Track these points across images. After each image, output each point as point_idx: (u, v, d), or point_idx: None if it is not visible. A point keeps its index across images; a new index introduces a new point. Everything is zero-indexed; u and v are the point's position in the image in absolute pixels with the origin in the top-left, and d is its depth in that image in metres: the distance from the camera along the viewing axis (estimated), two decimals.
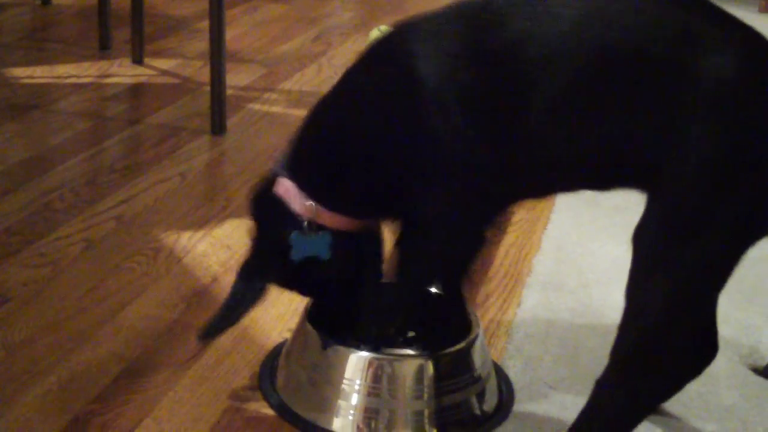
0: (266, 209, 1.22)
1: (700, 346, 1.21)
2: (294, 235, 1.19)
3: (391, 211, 1.20)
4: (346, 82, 1.18)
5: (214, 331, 1.26)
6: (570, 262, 1.72)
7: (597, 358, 1.42)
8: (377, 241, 1.25)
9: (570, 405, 1.31)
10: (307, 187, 1.19)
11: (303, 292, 1.29)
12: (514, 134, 1.07)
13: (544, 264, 1.69)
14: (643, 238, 1.06)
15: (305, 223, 1.19)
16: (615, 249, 1.72)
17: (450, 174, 1.11)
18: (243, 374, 1.34)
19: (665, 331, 1.08)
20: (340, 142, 1.17)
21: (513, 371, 1.37)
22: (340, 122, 1.18)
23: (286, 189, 1.20)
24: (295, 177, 1.19)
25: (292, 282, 1.26)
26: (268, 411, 1.26)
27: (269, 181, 1.22)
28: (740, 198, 1.02)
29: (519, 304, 1.56)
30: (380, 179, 1.16)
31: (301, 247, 1.20)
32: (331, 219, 1.19)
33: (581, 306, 1.57)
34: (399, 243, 1.22)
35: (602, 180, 1.12)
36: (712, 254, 1.04)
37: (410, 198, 1.15)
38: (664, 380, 1.18)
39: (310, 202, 1.18)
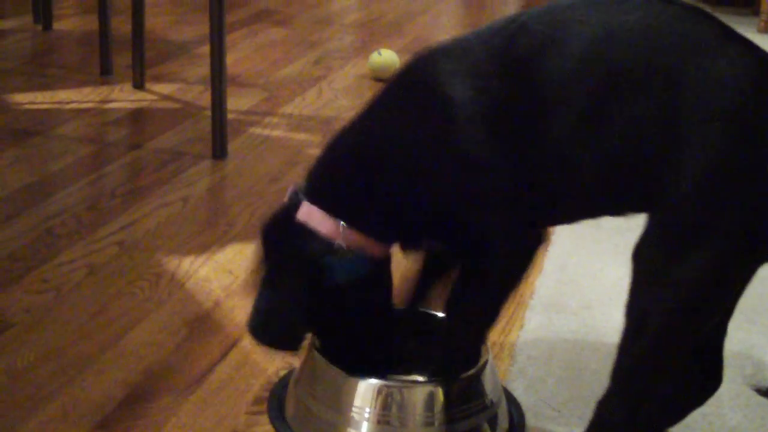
0: (289, 236, 1.19)
1: (703, 375, 1.21)
2: (328, 260, 1.17)
3: (425, 235, 1.20)
4: (374, 108, 1.18)
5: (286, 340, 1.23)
6: (572, 283, 1.72)
7: (601, 380, 1.42)
8: (389, 270, 1.24)
9: (575, 426, 1.30)
10: (334, 210, 1.17)
11: (330, 321, 1.25)
12: (538, 149, 1.08)
13: (546, 285, 1.69)
14: (642, 254, 1.07)
15: (336, 245, 1.17)
16: (617, 270, 1.72)
17: (489, 192, 1.12)
18: (247, 399, 1.34)
19: (665, 349, 1.08)
20: (370, 164, 1.16)
21: (517, 393, 1.36)
22: (370, 145, 1.17)
23: (311, 213, 1.18)
24: (319, 201, 1.18)
25: (320, 310, 1.22)
26: None
27: (288, 208, 1.20)
28: (740, 211, 1.02)
29: (522, 326, 1.55)
30: (413, 201, 1.15)
31: (336, 272, 1.18)
32: (360, 241, 1.17)
33: (584, 327, 1.57)
34: (461, 274, 1.21)
35: (616, 198, 1.11)
36: (712, 269, 1.04)
37: (457, 221, 1.15)
38: (665, 401, 1.18)
39: (338, 222, 1.16)
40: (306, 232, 1.18)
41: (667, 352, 1.09)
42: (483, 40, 1.13)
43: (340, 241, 1.17)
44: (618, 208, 1.13)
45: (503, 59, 1.10)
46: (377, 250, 1.19)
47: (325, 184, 1.20)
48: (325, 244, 1.17)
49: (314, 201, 1.18)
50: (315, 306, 1.21)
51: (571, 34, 1.07)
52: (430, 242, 1.23)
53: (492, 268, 1.17)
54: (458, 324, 1.22)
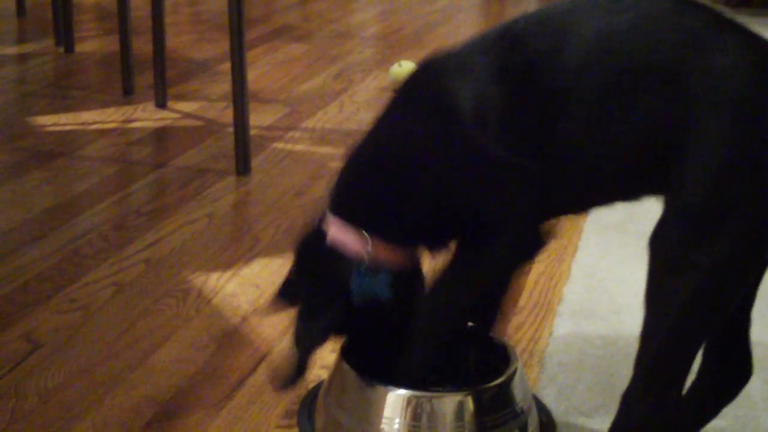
0: (318, 252, 1.20)
1: (731, 367, 1.20)
2: (354, 278, 1.18)
3: (445, 236, 1.20)
4: (384, 118, 1.20)
5: (292, 378, 1.23)
6: (600, 288, 1.71)
7: None
8: (421, 279, 1.24)
9: None
10: (360, 222, 1.18)
11: (360, 333, 1.26)
12: (548, 146, 1.09)
13: (574, 292, 1.68)
14: (658, 242, 1.06)
15: (364, 262, 1.17)
16: (645, 274, 1.71)
17: (500, 188, 1.12)
18: (277, 412, 1.33)
19: (687, 335, 1.08)
20: (388, 173, 1.17)
21: (547, 401, 1.35)
22: (385, 155, 1.18)
23: (338, 228, 1.19)
24: (345, 215, 1.18)
25: (351, 324, 1.23)
26: None
27: (316, 225, 1.21)
28: (756, 198, 1.02)
29: (551, 333, 1.55)
30: (433, 204, 1.15)
31: (362, 290, 1.19)
32: (386, 251, 1.18)
33: (613, 333, 1.56)
34: (452, 262, 1.20)
35: (632, 188, 1.12)
36: (730, 256, 1.03)
37: (465, 217, 1.15)
38: (695, 395, 1.17)
39: (365, 235, 1.17)
40: (332, 249, 1.18)
41: (689, 338, 1.08)
42: (482, 49, 1.14)
43: (366, 252, 1.17)
44: (632, 193, 1.14)
45: (505, 66, 1.10)
46: (402, 258, 1.20)
47: (348, 197, 1.21)
48: (351, 260, 1.18)
49: (339, 215, 1.19)
50: (344, 322, 1.22)
51: (568, 40, 1.08)
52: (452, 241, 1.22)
53: (486, 252, 1.17)
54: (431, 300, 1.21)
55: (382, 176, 1.18)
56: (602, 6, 1.09)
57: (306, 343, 1.21)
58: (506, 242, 1.16)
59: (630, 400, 1.12)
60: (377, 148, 1.20)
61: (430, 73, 1.17)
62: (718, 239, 1.02)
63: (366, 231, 1.18)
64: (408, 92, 1.19)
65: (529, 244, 1.18)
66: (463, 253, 1.19)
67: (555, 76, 1.08)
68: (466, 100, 1.11)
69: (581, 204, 1.20)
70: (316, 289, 1.22)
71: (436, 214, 1.16)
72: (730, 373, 1.20)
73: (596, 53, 1.07)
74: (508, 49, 1.11)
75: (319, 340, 1.22)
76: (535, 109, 1.09)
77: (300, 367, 1.22)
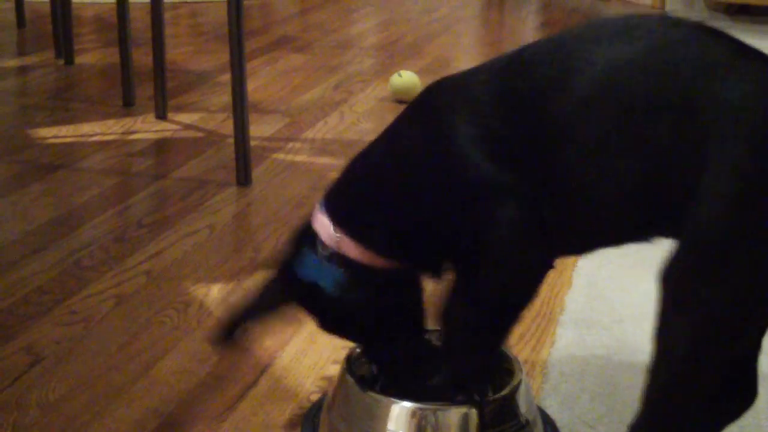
0: (299, 235, 1.23)
1: (737, 389, 1.19)
2: (307, 256, 1.20)
3: (420, 253, 1.19)
4: (387, 133, 1.21)
5: (230, 325, 1.24)
6: (602, 298, 1.70)
7: (635, 394, 1.40)
8: (416, 292, 1.24)
9: None
10: (333, 216, 1.19)
11: (317, 319, 1.26)
12: (550, 178, 1.07)
13: (576, 301, 1.68)
14: (669, 276, 1.04)
15: (327, 252, 1.19)
16: (647, 283, 1.70)
17: (500, 217, 1.10)
18: (279, 423, 1.33)
19: (695, 373, 1.06)
20: (375, 179, 1.19)
21: (551, 411, 1.35)
22: (378, 165, 1.20)
23: (319, 218, 1.21)
24: (326, 208, 1.20)
25: (302, 303, 1.24)
26: None
27: (310, 215, 1.24)
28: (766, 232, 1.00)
29: (553, 343, 1.54)
30: (407, 215, 1.16)
31: (310, 270, 1.20)
32: (351, 249, 1.18)
33: (616, 342, 1.56)
34: (450, 297, 1.20)
35: (640, 227, 1.10)
36: (743, 290, 1.01)
37: (455, 240, 1.15)
38: (698, 425, 1.16)
39: (335, 230, 1.18)
40: (310, 234, 1.21)
41: (699, 375, 1.06)
42: (489, 74, 1.13)
43: (327, 243, 1.19)
44: (641, 234, 1.11)
45: (509, 93, 1.09)
46: (374, 261, 1.19)
47: (334, 194, 1.22)
48: (317, 245, 1.20)
49: (324, 207, 1.21)
50: (298, 299, 1.23)
51: (576, 70, 1.05)
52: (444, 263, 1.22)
53: (484, 286, 1.16)
54: (455, 345, 1.21)
55: (364, 183, 1.20)
56: (614, 34, 1.06)
57: (247, 306, 1.23)
58: (502, 271, 1.14)
59: None
60: (374, 157, 1.21)
61: (434, 93, 1.17)
62: (731, 276, 1.00)
63: (339, 225, 1.18)
64: (412, 110, 1.20)
65: (535, 273, 1.16)
66: (464, 280, 1.18)
67: (561, 105, 1.05)
68: (466, 124, 1.10)
69: (587, 243, 1.17)
70: (283, 258, 1.24)
71: (420, 232, 1.16)
72: (735, 396, 1.19)
73: (605, 83, 1.04)
74: (514, 74, 1.10)
75: (255, 301, 1.23)
76: (538, 138, 1.07)
77: (230, 329, 1.22)
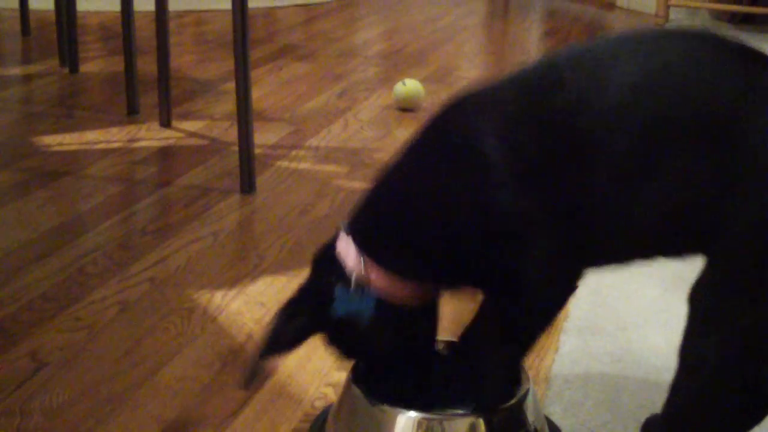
0: (323, 260, 1.22)
1: (757, 405, 1.18)
2: (339, 290, 1.19)
3: (450, 278, 1.18)
4: (410, 153, 1.18)
5: (256, 368, 1.21)
6: (606, 305, 1.70)
7: (639, 401, 1.41)
8: (433, 316, 1.23)
9: None
10: (361, 243, 1.18)
11: (343, 349, 1.25)
12: (580, 198, 1.06)
13: (580, 308, 1.68)
14: (699, 297, 1.04)
15: (354, 280, 1.18)
16: (651, 291, 1.71)
17: (530, 237, 1.09)
18: (283, 430, 1.33)
19: (718, 393, 1.06)
20: (400, 203, 1.17)
21: (554, 418, 1.35)
22: (399, 187, 1.18)
23: (344, 244, 1.19)
24: (353, 234, 1.19)
25: (332, 336, 1.23)
26: None
27: (334, 237, 1.22)
28: None
29: (557, 350, 1.54)
30: (437, 243, 1.14)
31: (343, 303, 1.19)
32: (379, 277, 1.17)
33: (620, 349, 1.55)
34: (482, 316, 1.20)
35: (671, 245, 1.09)
36: None
37: (486, 263, 1.13)
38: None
39: (361, 257, 1.17)
40: (334, 261, 1.19)
41: (723, 395, 1.06)
42: (515, 92, 1.10)
43: (359, 272, 1.17)
44: (671, 252, 1.10)
45: (537, 114, 1.07)
46: (398, 289, 1.18)
47: (359, 218, 1.21)
48: (345, 275, 1.18)
49: (349, 232, 1.19)
50: (325, 331, 1.22)
51: (609, 84, 1.03)
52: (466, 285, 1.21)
53: (519, 312, 1.16)
54: (482, 362, 1.21)
55: (393, 210, 1.18)
56: (651, 44, 1.04)
57: (272, 342, 1.20)
58: (533, 300, 1.14)
59: None
60: (398, 181, 1.19)
61: (459, 110, 1.14)
62: (759, 300, 1.00)
63: (365, 251, 1.17)
64: (435, 128, 1.17)
65: (563, 294, 1.16)
66: (493, 304, 1.18)
67: (591, 120, 1.03)
68: (491, 157, 1.07)
69: (617, 259, 1.15)
70: (304, 291, 1.22)
71: (446, 258, 1.15)
72: (753, 409, 1.18)
73: (637, 95, 1.02)
74: (544, 87, 1.07)
75: (286, 338, 1.20)
76: (569, 156, 1.05)
77: (257, 367, 1.20)
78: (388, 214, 1.18)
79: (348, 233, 1.20)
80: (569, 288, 1.15)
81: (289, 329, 1.20)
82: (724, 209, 0.99)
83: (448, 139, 1.14)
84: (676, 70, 1.02)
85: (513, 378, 1.23)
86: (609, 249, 1.12)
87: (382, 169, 1.21)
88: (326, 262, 1.21)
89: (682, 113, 1.01)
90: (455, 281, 1.19)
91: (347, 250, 1.19)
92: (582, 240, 1.09)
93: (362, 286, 1.18)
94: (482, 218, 1.10)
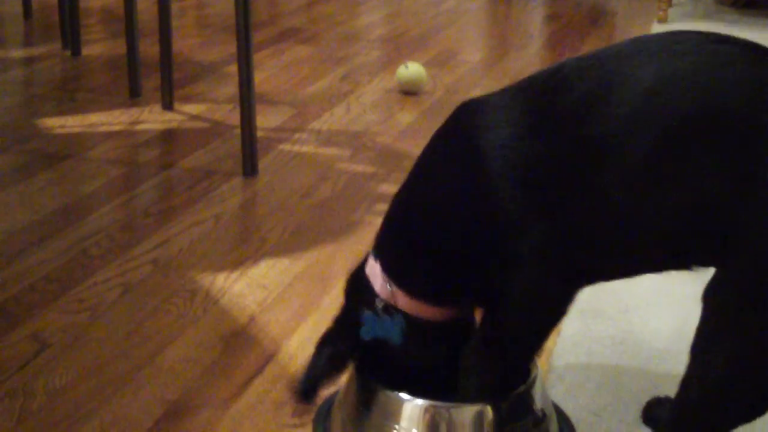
0: (353, 286, 1.22)
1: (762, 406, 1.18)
2: (367, 315, 1.19)
3: (470, 296, 1.18)
4: (419, 164, 1.18)
5: (297, 399, 1.21)
6: (608, 288, 1.69)
7: (640, 384, 1.41)
8: (465, 333, 1.22)
9: (615, 430, 1.29)
10: (387, 268, 1.18)
11: (376, 371, 1.24)
12: (587, 204, 1.04)
13: (582, 292, 1.68)
14: (714, 297, 1.03)
15: (381, 304, 1.18)
16: (653, 274, 1.70)
17: (526, 250, 1.08)
18: (285, 411, 1.33)
19: (728, 392, 1.06)
20: (413, 224, 1.16)
21: (556, 400, 1.35)
22: (412, 205, 1.18)
23: (372, 268, 1.19)
24: (380, 258, 1.19)
25: (363, 359, 1.23)
26: None
27: (364, 260, 1.22)
28: None
29: (559, 333, 1.54)
30: (454, 261, 1.13)
31: (372, 328, 1.19)
32: (407, 304, 1.17)
33: (621, 333, 1.56)
34: (481, 326, 1.19)
35: (681, 254, 1.07)
36: None
37: (488, 279, 1.13)
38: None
39: (388, 285, 1.17)
40: (364, 286, 1.20)
41: (731, 395, 1.06)
42: (523, 96, 1.09)
43: (387, 298, 1.18)
44: (681, 262, 1.09)
45: (543, 118, 1.06)
46: (427, 312, 1.18)
47: (383, 241, 1.20)
48: (371, 300, 1.19)
49: (377, 256, 1.20)
50: (358, 355, 1.22)
51: (620, 87, 1.01)
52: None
53: (503, 330, 1.16)
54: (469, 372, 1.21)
55: (409, 230, 1.17)
56: (662, 48, 1.02)
57: (311, 368, 1.20)
58: (527, 315, 1.14)
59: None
60: (412, 198, 1.18)
61: (463, 121, 1.13)
62: None
63: (391, 276, 1.17)
64: (442, 138, 1.16)
65: (560, 310, 1.15)
66: (490, 321, 1.18)
67: (602, 124, 1.01)
68: (495, 159, 1.06)
69: (624, 271, 1.15)
70: (340, 317, 1.23)
71: (456, 273, 1.14)
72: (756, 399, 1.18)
73: (651, 99, 1.00)
74: (552, 92, 1.06)
75: (322, 368, 1.20)
76: (576, 161, 1.03)
77: (304, 392, 1.19)
78: (402, 235, 1.18)
79: (375, 258, 1.20)
80: (557, 312, 1.15)
81: (323, 360, 1.20)
82: (738, 213, 0.98)
83: (454, 144, 1.14)
84: (687, 73, 1.00)
85: (492, 386, 1.21)
86: (616, 262, 1.10)
87: (400, 187, 1.20)
88: (356, 287, 1.21)
89: (696, 116, 0.99)
90: (467, 299, 1.19)
91: (374, 275, 1.19)
92: (585, 254, 1.08)
93: (390, 309, 1.18)
94: (487, 229, 1.09)
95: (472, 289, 1.16)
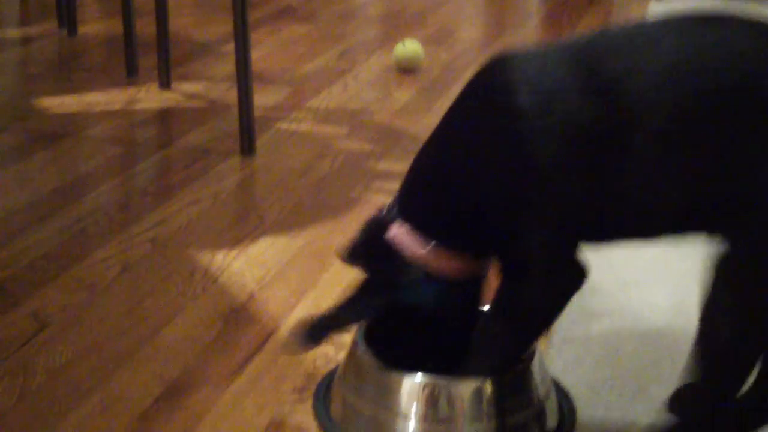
0: (375, 254, 1.20)
1: None
2: (405, 278, 1.18)
3: (499, 248, 1.18)
4: (448, 118, 1.17)
5: (318, 329, 1.21)
6: (606, 264, 1.70)
7: (638, 359, 1.42)
8: (478, 292, 1.23)
9: (614, 405, 1.30)
10: (421, 228, 1.17)
11: (407, 333, 1.25)
12: (612, 170, 1.06)
13: None
14: (726, 266, 1.04)
15: (416, 269, 1.17)
16: (652, 249, 1.71)
17: (546, 204, 1.09)
18: (285, 387, 1.34)
19: (737, 361, 1.08)
20: (447, 177, 1.15)
21: (554, 375, 1.35)
22: (444, 157, 1.16)
23: (401, 233, 1.18)
24: (409, 220, 1.17)
25: (398, 322, 1.23)
26: (313, 423, 1.26)
27: (379, 226, 1.20)
28: None
29: None
30: (486, 212, 1.13)
31: (413, 290, 1.18)
32: (445, 260, 1.17)
33: (620, 308, 1.56)
34: (500, 285, 1.20)
35: (701, 220, 1.09)
36: None
37: (511, 231, 1.13)
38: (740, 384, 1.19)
39: (426, 245, 1.16)
40: (392, 253, 1.18)
41: (739, 364, 1.09)
42: (561, 56, 1.09)
43: (424, 261, 1.17)
44: (700, 227, 1.10)
45: (584, 79, 1.06)
46: (463, 267, 1.18)
47: (412, 201, 1.19)
48: (406, 266, 1.17)
49: (404, 219, 1.18)
50: (391, 318, 1.23)
51: (654, 57, 1.04)
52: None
53: (524, 293, 1.16)
54: (480, 340, 1.21)
55: (439, 180, 1.16)
56: (688, 27, 1.05)
57: (334, 317, 1.20)
58: (541, 281, 1.14)
59: (686, 403, 1.15)
60: (438, 150, 1.17)
61: (497, 74, 1.12)
62: None
63: (426, 236, 1.16)
64: (475, 89, 1.15)
65: (569, 280, 1.15)
66: (504, 286, 1.18)
67: (634, 100, 1.03)
68: (531, 113, 1.07)
69: (643, 234, 1.16)
70: (369, 276, 1.22)
71: (488, 223, 1.14)
72: None
73: (680, 77, 1.02)
74: (593, 57, 1.07)
75: (346, 321, 1.21)
76: (610, 121, 1.05)
77: (312, 329, 1.20)
78: (435, 189, 1.17)
79: (401, 217, 1.18)
80: (571, 281, 1.15)
81: (350, 311, 1.20)
82: (760, 183, 1.00)
83: (493, 100, 1.12)
84: (716, 47, 1.03)
85: (506, 356, 1.22)
86: (633, 223, 1.12)
87: (426, 140, 1.19)
88: (381, 254, 1.18)
89: (720, 88, 1.01)
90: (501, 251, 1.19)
91: (403, 235, 1.17)
92: (604, 211, 1.09)
93: (427, 271, 1.17)
94: (520, 179, 1.09)
95: (500, 240, 1.15)
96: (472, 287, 1.21)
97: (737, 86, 1.01)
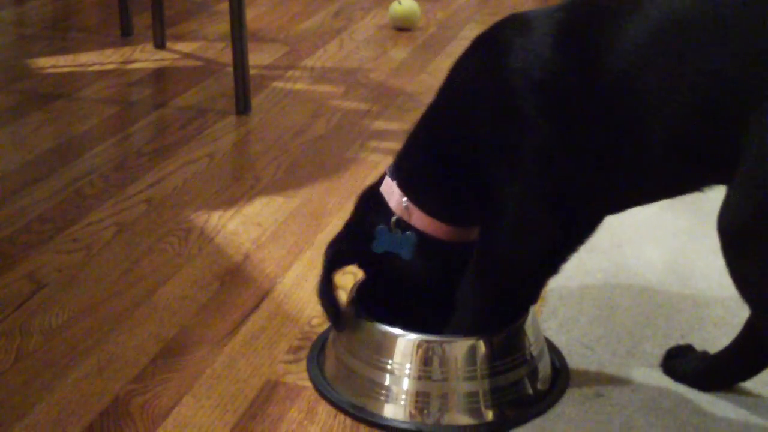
0: (367, 200, 1.27)
1: None
2: (379, 228, 1.23)
3: (478, 214, 1.20)
4: (447, 80, 1.21)
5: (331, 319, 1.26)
6: (602, 223, 1.70)
7: (633, 317, 1.42)
8: (465, 253, 1.23)
9: (608, 363, 1.31)
10: (404, 186, 1.22)
11: (381, 284, 1.28)
12: (599, 122, 1.08)
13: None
14: (728, 222, 1.03)
15: (394, 219, 1.22)
16: (647, 207, 1.71)
17: (527, 151, 1.11)
18: (281, 348, 1.34)
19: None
20: (431, 134, 1.21)
21: (549, 333, 1.36)
22: (433, 120, 1.22)
23: (388, 186, 1.24)
24: (396, 176, 1.23)
25: (373, 271, 1.28)
26: (308, 382, 1.27)
27: (379, 179, 1.27)
28: None
29: None
30: (468, 176, 1.17)
31: (383, 241, 1.23)
32: (421, 220, 1.21)
33: (614, 266, 1.56)
34: (477, 243, 1.21)
35: (693, 172, 1.09)
36: None
37: (491, 191, 1.15)
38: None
39: (404, 200, 1.21)
40: (377, 202, 1.24)
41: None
42: (548, 12, 1.13)
43: (401, 215, 1.22)
44: (692, 179, 1.11)
45: (561, 31, 1.10)
46: (438, 231, 1.22)
47: (401, 159, 1.25)
48: (385, 216, 1.23)
49: (393, 175, 1.24)
50: (366, 266, 1.28)
51: (658, 16, 1.04)
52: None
53: (492, 243, 1.18)
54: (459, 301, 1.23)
55: (427, 141, 1.22)
56: None
57: (326, 280, 1.24)
58: (511, 229, 1.16)
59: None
60: (430, 109, 1.22)
61: (497, 29, 1.17)
62: None
63: (407, 194, 1.22)
64: (472, 47, 1.20)
65: (537, 234, 1.17)
66: (482, 235, 1.20)
67: (618, 45, 1.05)
68: (514, 66, 1.11)
69: (634, 195, 1.18)
70: (350, 225, 1.27)
71: (467, 187, 1.17)
72: None
73: (665, 18, 1.03)
74: (566, 18, 1.11)
75: (324, 265, 1.24)
76: (589, 79, 1.07)
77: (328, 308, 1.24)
78: (421, 148, 1.22)
79: (392, 176, 1.23)
80: (543, 236, 1.17)
81: (332, 263, 1.25)
82: (750, 122, 0.99)
83: (478, 55, 1.18)
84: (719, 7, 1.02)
85: (484, 317, 1.23)
86: (624, 183, 1.13)
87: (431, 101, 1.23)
88: (370, 202, 1.25)
89: (706, 22, 1.02)
90: (475, 219, 1.21)
91: (390, 192, 1.23)
92: (598, 171, 1.10)
93: (402, 225, 1.22)
94: (500, 131, 1.13)
95: (479, 207, 1.18)
96: (456, 250, 1.23)
97: (728, 19, 1.01)
